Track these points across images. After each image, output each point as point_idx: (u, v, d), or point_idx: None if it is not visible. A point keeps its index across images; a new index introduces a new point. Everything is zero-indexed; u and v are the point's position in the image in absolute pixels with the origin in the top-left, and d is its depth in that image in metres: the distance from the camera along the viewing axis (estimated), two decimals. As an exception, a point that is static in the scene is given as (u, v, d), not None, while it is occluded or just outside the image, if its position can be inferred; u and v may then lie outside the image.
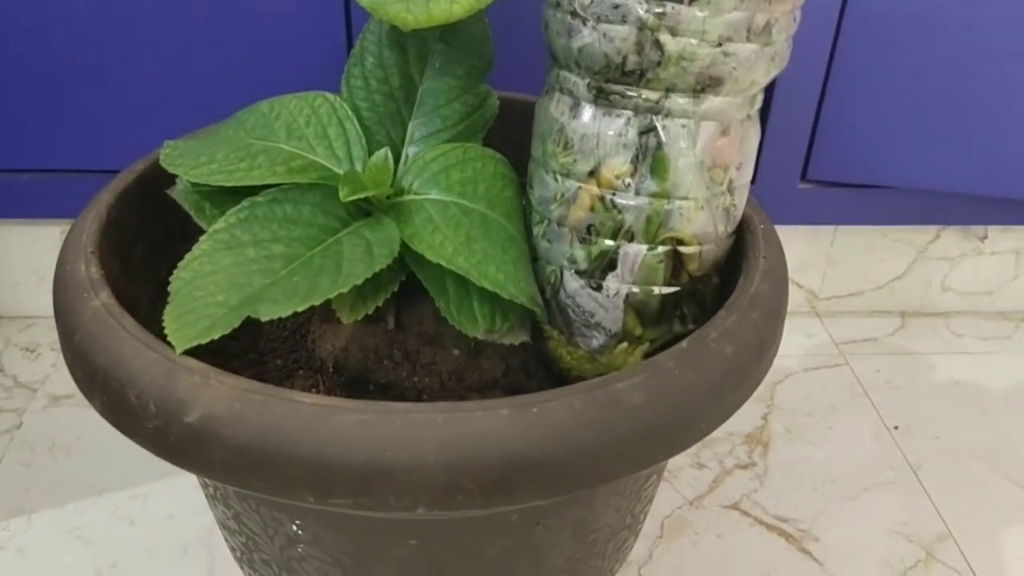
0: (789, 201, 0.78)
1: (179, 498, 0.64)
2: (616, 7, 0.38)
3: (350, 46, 0.67)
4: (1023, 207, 0.78)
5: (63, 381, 0.75)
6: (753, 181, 0.75)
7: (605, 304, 0.43)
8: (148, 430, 0.34)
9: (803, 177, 0.77)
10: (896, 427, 0.73)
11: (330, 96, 0.46)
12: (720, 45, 0.38)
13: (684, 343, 0.37)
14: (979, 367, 0.81)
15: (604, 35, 0.38)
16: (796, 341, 0.83)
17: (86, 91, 0.69)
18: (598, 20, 0.38)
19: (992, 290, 0.87)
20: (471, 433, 0.33)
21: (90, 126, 0.71)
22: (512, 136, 0.49)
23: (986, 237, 0.83)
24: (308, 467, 0.33)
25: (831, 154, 0.75)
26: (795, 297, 0.86)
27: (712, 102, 0.40)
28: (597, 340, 0.45)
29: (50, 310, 0.82)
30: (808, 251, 0.83)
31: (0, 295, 0.82)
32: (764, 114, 0.73)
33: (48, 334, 0.81)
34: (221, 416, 0.33)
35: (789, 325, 0.84)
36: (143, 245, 0.48)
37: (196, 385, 0.34)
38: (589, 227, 0.42)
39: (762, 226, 0.46)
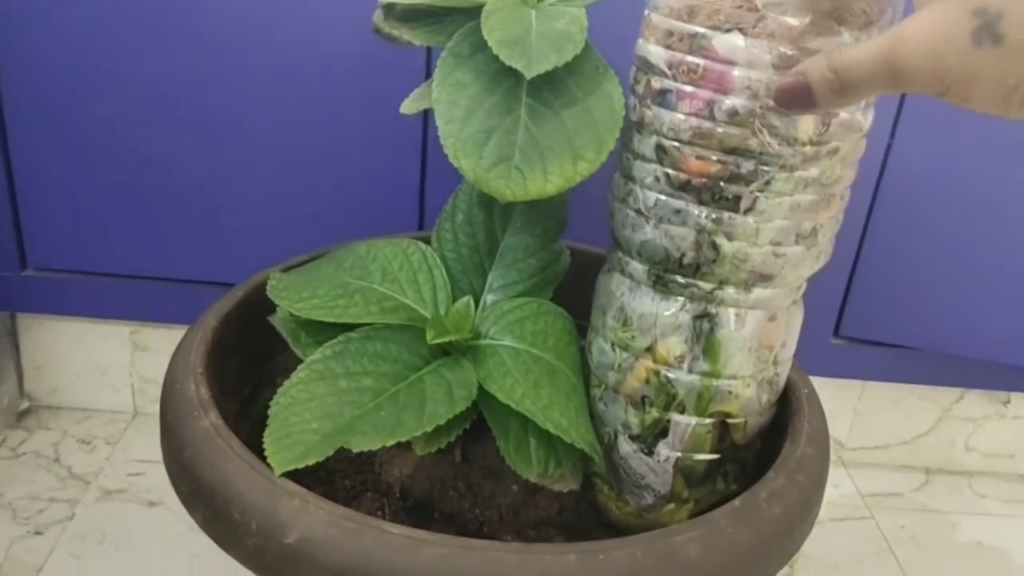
0: (821, 355, 0.81)
1: (224, 602, 0.66)
2: (678, 212, 0.43)
3: (423, 191, 0.73)
4: (1045, 376, 0.82)
5: (116, 475, 0.79)
6: (788, 334, 0.80)
7: (655, 468, 0.47)
8: (247, 546, 0.38)
9: (835, 333, 0.81)
10: (920, 586, 0.74)
11: (422, 244, 0.51)
12: (771, 248, 0.43)
13: (736, 502, 0.41)
14: (1001, 529, 0.83)
15: (666, 233, 0.44)
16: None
17: (167, 209, 0.75)
18: (660, 220, 0.44)
19: (1014, 453, 0.89)
20: (542, 574, 0.36)
21: (165, 238, 0.77)
22: (579, 283, 0.54)
23: (1009, 402, 0.86)
24: (393, 594, 0.36)
25: (863, 314, 0.80)
26: (822, 446, 0.89)
27: (762, 293, 0.45)
28: (646, 500, 0.48)
29: (108, 404, 0.86)
30: (837, 403, 0.87)
31: (61, 386, 0.86)
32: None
33: (104, 428, 0.85)
34: (317, 540, 0.37)
35: (815, 473, 0.87)
36: (235, 365, 0.52)
37: (296, 509, 0.38)
38: (643, 397, 0.47)
39: (806, 391, 0.50)
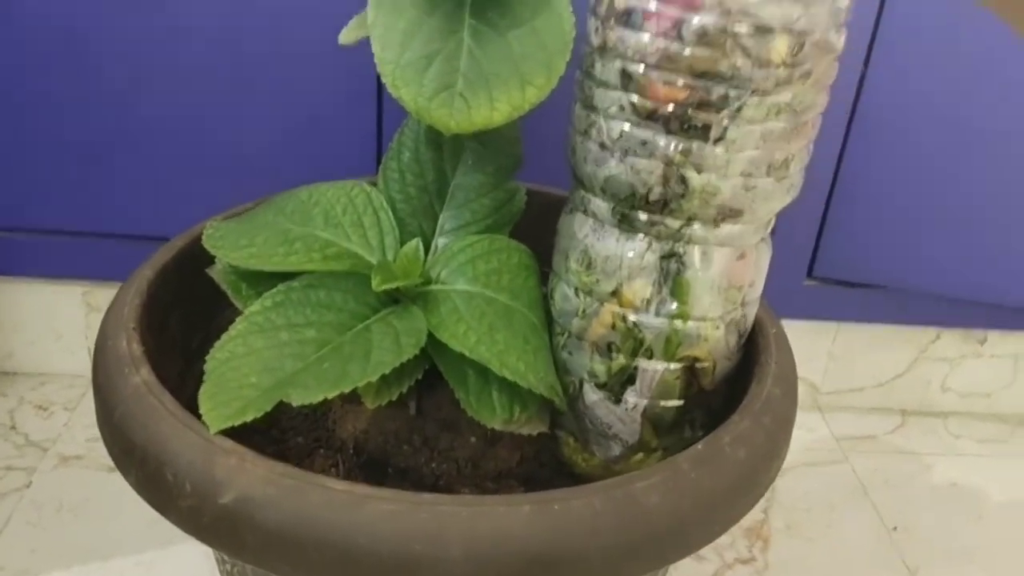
0: (794, 296, 0.80)
1: (185, 567, 0.64)
2: (644, 143, 0.40)
3: (380, 132, 0.70)
4: (1022, 314, 0.80)
5: (74, 441, 0.76)
6: (760, 277, 0.78)
7: (623, 417, 0.45)
8: (182, 508, 0.35)
9: (809, 274, 0.79)
10: (895, 528, 0.74)
11: (367, 187, 0.48)
12: (741, 180, 0.40)
13: (699, 446, 0.39)
14: (976, 469, 0.82)
15: (631, 167, 0.41)
16: (797, 435, 0.83)
17: (114, 158, 0.72)
18: (625, 153, 0.41)
19: (990, 392, 0.88)
20: (494, 528, 0.34)
21: (115, 192, 0.74)
22: (535, 227, 0.51)
23: (985, 340, 0.85)
24: (336, 554, 0.34)
25: (836, 253, 0.78)
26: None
27: (731, 229, 0.42)
28: (614, 450, 0.46)
29: (64, 368, 0.83)
30: (811, 346, 0.85)
31: (16, 351, 0.83)
32: (772, 213, 0.76)
33: (61, 393, 0.82)
34: (255, 499, 0.34)
35: (791, 418, 0.86)
36: (176, 319, 0.49)
37: (232, 467, 0.35)
38: (609, 344, 0.44)
39: (773, 331, 0.48)
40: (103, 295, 0.80)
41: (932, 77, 0.70)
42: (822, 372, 0.87)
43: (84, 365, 0.84)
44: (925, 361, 0.86)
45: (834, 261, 0.78)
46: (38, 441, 0.76)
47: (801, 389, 0.86)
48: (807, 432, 0.85)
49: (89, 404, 0.81)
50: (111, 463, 0.73)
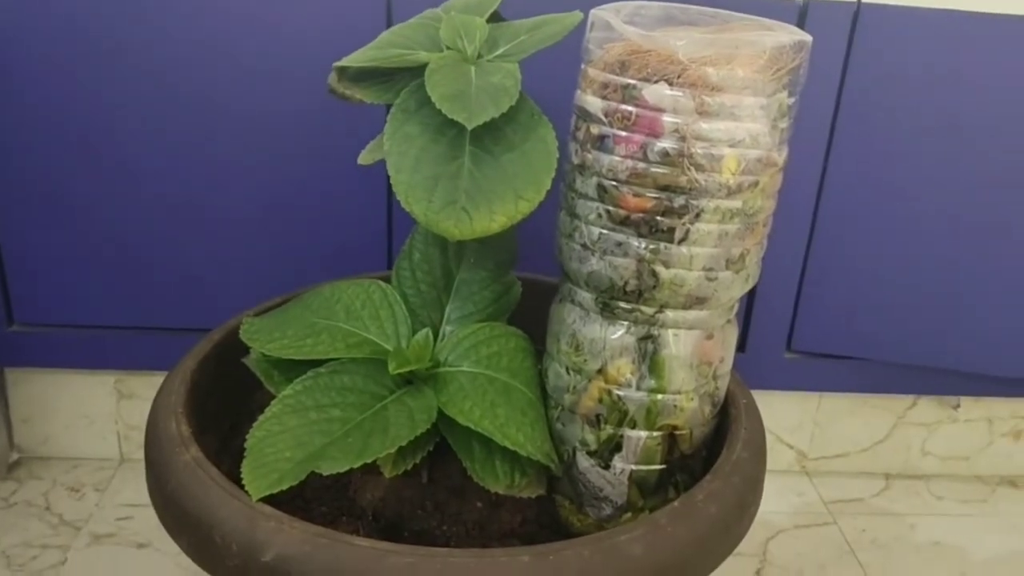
0: (776, 369, 0.86)
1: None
2: (619, 244, 0.47)
3: (390, 230, 0.77)
4: (992, 381, 0.86)
5: (105, 520, 0.81)
6: (743, 350, 0.84)
7: (612, 481, 0.51)
8: (229, 567, 0.41)
9: (788, 347, 0.85)
10: (881, 585, 0.78)
11: (382, 284, 0.55)
12: (704, 273, 0.47)
13: (676, 503, 0.45)
14: (958, 528, 0.87)
15: (609, 264, 0.48)
16: (787, 499, 0.89)
17: (150, 260, 0.79)
18: (604, 252, 0.48)
19: (968, 455, 0.93)
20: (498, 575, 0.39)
21: (150, 290, 0.80)
22: (531, 310, 0.58)
23: (959, 406, 0.91)
24: (363, 602, 0.39)
25: (813, 327, 0.84)
26: (786, 457, 0.93)
27: (698, 315, 0.49)
28: (605, 511, 0.52)
29: (95, 452, 0.89)
30: (797, 414, 0.91)
31: (50, 437, 0.88)
32: (751, 290, 0.83)
33: (92, 475, 0.87)
34: (293, 556, 0.40)
35: (781, 483, 0.91)
36: (213, 403, 0.56)
37: (272, 529, 0.41)
38: (598, 415, 0.51)
39: (744, 401, 0.54)
40: (133, 382, 0.87)
41: (895, 153, 0.76)
42: (808, 439, 0.92)
43: (114, 449, 0.89)
44: (904, 426, 0.92)
45: (811, 335, 0.84)
46: (71, 521, 0.81)
47: (790, 455, 0.92)
48: (797, 496, 0.90)
49: (119, 485, 0.86)
50: (141, 540, 0.79)
